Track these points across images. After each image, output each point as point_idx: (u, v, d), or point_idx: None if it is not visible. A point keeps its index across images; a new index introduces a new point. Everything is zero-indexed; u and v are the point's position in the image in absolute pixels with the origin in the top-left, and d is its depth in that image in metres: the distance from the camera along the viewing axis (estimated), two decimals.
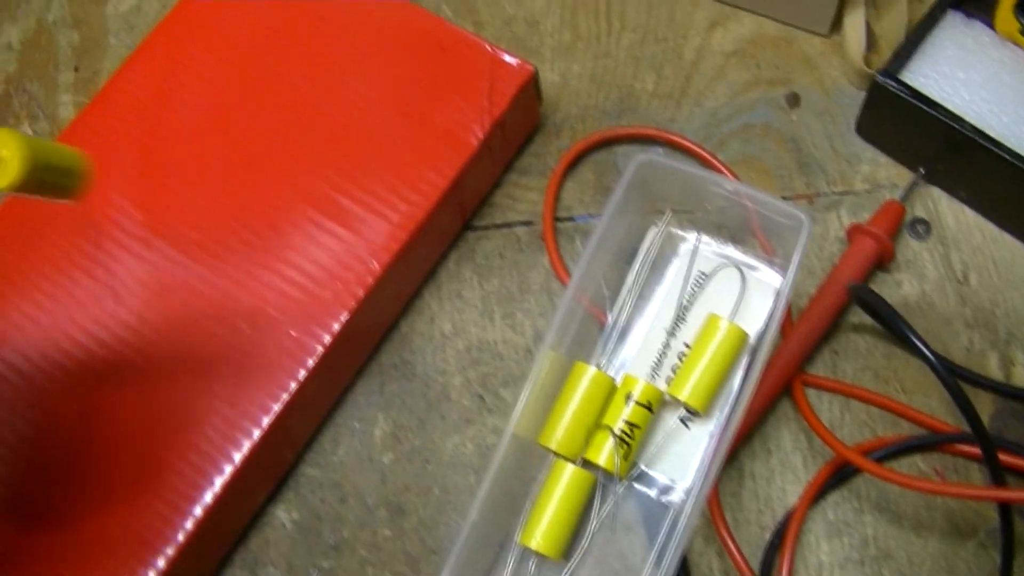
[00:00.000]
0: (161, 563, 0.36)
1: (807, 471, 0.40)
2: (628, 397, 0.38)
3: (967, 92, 0.41)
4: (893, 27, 0.46)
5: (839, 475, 0.40)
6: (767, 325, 0.39)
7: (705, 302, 0.40)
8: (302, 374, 0.39)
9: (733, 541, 0.39)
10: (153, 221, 0.42)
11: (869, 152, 0.45)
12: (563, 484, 0.38)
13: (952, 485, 0.38)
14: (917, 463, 0.40)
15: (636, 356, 0.40)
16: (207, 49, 0.45)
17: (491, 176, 0.46)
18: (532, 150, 0.47)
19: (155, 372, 0.39)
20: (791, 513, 0.39)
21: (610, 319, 0.41)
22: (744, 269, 0.40)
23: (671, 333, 0.40)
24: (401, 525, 0.41)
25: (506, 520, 0.38)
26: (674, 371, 0.39)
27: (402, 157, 0.42)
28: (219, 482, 0.37)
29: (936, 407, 0.41)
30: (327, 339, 0.39)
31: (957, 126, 0.40)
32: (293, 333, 0.39)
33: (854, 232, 0.42)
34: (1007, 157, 0.39)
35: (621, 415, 0.38)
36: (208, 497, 0.37)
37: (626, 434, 0.38)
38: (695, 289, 0.41)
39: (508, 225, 0.45)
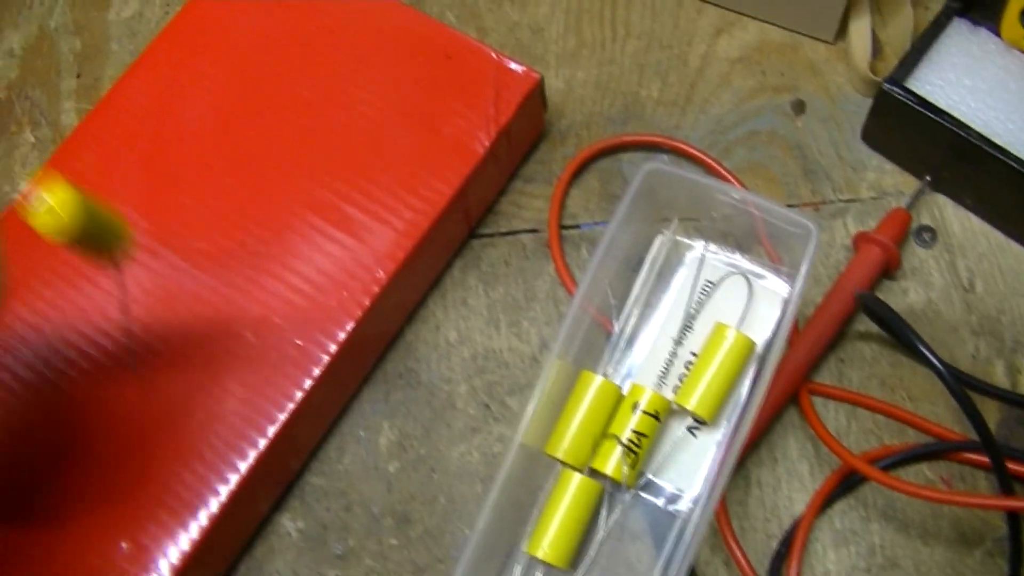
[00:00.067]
0: (167, 573, 0.36)
1: (814, 479, 0.40)
2: (635, 406, 0.38)
3: (973, 99, 0.41)
4: (898, 34, 0.46)
5: (846, 483, 0.40)
6: (775, 334, 0.39)
7: (712, 311, 0.40)
8: (308, 383, 0.39)
9: (740, 550, 0.38)
10: (157, 229, 0.41)
11: (875, 159, 0.45)
12: (570, 493, 0.37)
13: (960, 494, 0.38)
14: (924, 471, 0.40)
15: (643, 365, 0.40)
16: (211, 56, 0.45)
17: (496, 184, 0.46)
18: (537, 157, 0.47)
19: (159, 381, 0.39)
20: (798, 522, 0.39)
21: (617, 328, 0.41)
22: (751, 277, 0.40)
23: (678, 342, 0.40)
24: (407, 534, 0.41)
25: (513, 529, 0.38)
26: (681, 380, 0.39)
27: (408, 165, 0.42)
28: (224, 491, 0.37)
29: (942, 415, 0.41)
30: (333, 348, 0.39)
31: (963, 133, 0.40)
32: (298, 342, 0.39)
33: (860, 240, 0.42)
34: (1013, 164, 0.39)
35: (628, 424, 0.38)
36: (214, 506, 0.37)
37: (633, 443, 0.38)
38: (702, 298, 0.40)
39: (513, 233, 0.45)
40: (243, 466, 0.38)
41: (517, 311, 0.44)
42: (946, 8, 0.43)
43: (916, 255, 0.43)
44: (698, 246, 0.41)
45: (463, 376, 0.43)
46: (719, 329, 0.38)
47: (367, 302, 0.40)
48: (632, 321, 0.41)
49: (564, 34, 0.49)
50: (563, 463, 0.38)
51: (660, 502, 0.38)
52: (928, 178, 0.43)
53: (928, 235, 0.43)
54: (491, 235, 0.45)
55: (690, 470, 0.38)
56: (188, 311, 0.40)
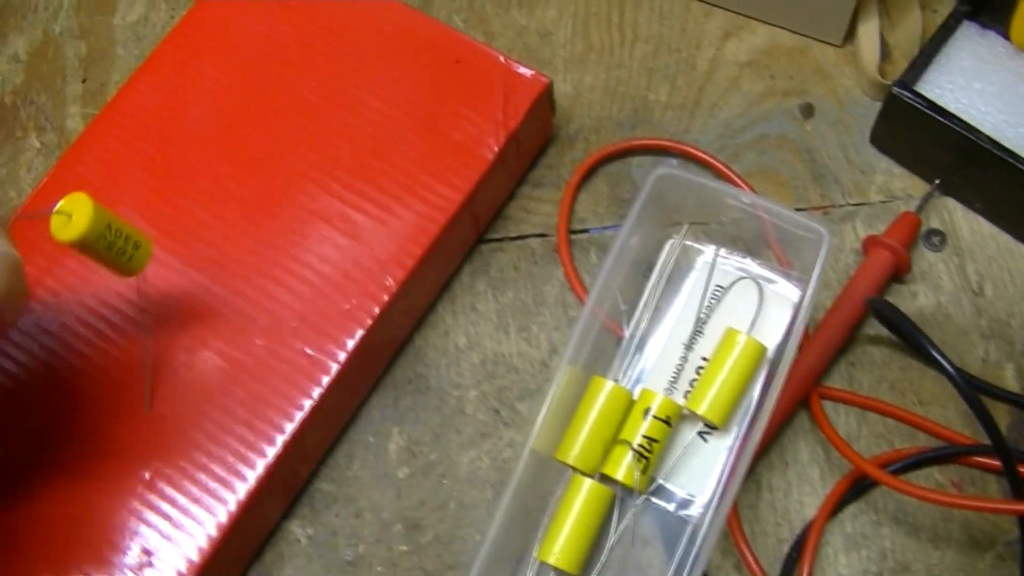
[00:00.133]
0: None
1: (824, 483, 0.40)
2: (646, 411, 0.38)
3: (983, 103, 0.41)
4: (907, 37, 0.46)
5: (856, 487, 0.40)
6: (786, 338, 0.39)
7: (722, 315, 0.40)
8: (317, 392, 0.39)
9: (752, 554, 0.38)
10: (164, 237, 0.41)
11: (884, 163, 0.45)
12: (581, 499, 0.37)
13: (971, 498, 0.38)
14: (934, 475, 0.40)
15: (653, 370, 0.40)
16: (216, 60, 0.45)
17: (505, 188, 0.45)
18: (546, 162, 0.46)
19: (168, 391, 0.39)
20: (809, 526, 0.39)
21: (627, 333, 0.41)
22: (761, 282, 0.40)
23: (688, 347, 0.40)
24: (417, 540, 0.40)
25: (524, 536, 0.38)
26: (692, 385, 0.39)
27: (417, 170, 0.42)
28: (233, 500, 0.37)
29: (953, 419, 0.41)
30: (342, 356, 0.39)
31: (973, 137, 0.40)
32: (308, 350, 0.39)
33: (870, 244, 0.42)
34: (1023, 168, 0.39)
35: (639, 429, 0.38)
36: (222, 515, 0.37)
37: (644, 448, 0.37)
38: (712, 302, 0.40)
39: (522, 237, 0.45)
40: (252, 475, 0.37)
41: (526, 316, 0.44)
42: (955, 11, 0.43)
43: (925, 259, 0.43)
44: (708, 251, 0.41)
45: (472, 381, 0.43)
46: (730, 334, 0.38)
47: (377, 309, 0.40)
48: (642, 326, 0.41)
49: (572, 38, 0.49)
50: (574, 469, 0.38)
51: (671, 507, 0.38)
52: (937, 181, 0.43)
53: (937, 239, 0.43)
54: (500, 240, 0.45)
55: (701, 475, 0.38)
56: (196, 320, 0.40)
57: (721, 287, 0.41)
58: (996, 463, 0.39)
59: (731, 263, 0.41)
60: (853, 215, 0.44)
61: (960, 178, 0.43)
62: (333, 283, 0.40)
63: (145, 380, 0.39)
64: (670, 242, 0.42)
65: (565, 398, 0.38)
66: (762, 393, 0.38)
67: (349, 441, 0.42)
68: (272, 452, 0.38)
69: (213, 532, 0.37)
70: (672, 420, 0.38)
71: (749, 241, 0.41)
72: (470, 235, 0.44)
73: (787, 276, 0.40)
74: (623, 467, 0.37)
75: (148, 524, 0.37)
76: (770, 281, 0.40)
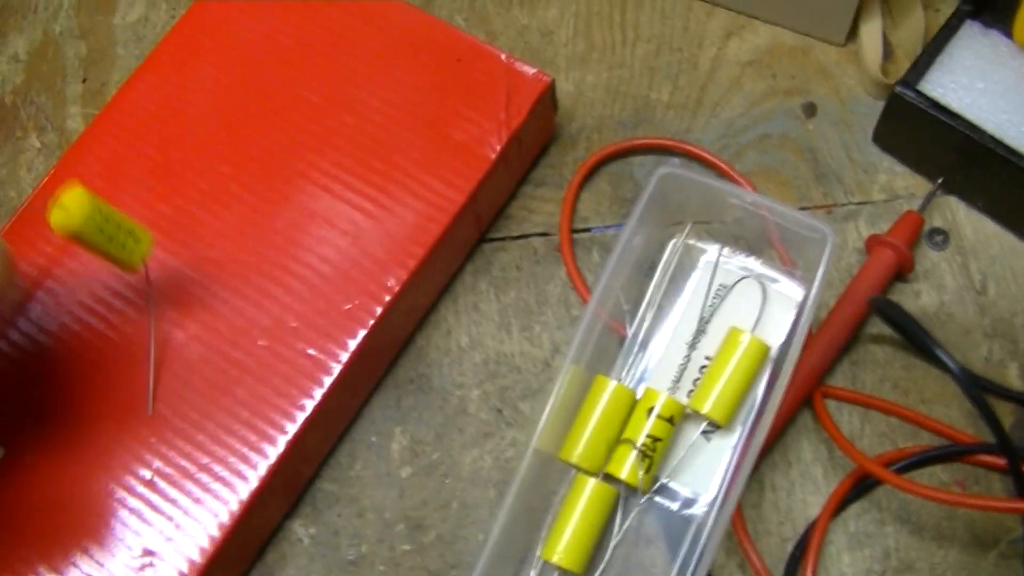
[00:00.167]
0: None
1: (827, 483, 0.40)
2: (649, 410, 0.38)
3: (986, 102, 0.41)
4: (909, 37, 0.46)
5: (860, 486, 0.40)
6: (789, 338, 0.39)
7: (725, 314, 0.40)
8: (319, 392, 0.38)
9: (756, 553, 0.38)
10: (165, 238, 0.41)
11: (886, 162, 0.45)
12: (584, 498, 0.37)
13: (975, 497, 0.38)
14: (938, 474, 0.40)
15: (656, 369, 0.40)
16: (217, 59, 0.45)
17: (507, 188, 0.45)
18: (547, 161, 0.46)
19: (169, 391, 0.39)
20: (812, 525, 0.39)
21: (630, 332, 0.40)
22: (764, 281, 0.40)
23: (692, 346, 0.40)
24: (420, 540, 0.40)
25: (527, 535, 0.38)
26: (695, 384, 0.39)
27: (418, 171, 0.41)
28: (235, 501, 0.37)
29: (956, 418, 0.40)
30: (344, 356, 0.39)
31: (976, 136, 0.40)
32: (310, 351, 0.39)
33: (873, 243, 0.42)
34: None
35: (643, 429, 0.38)
36: (224, 516, 0.37)
37: (648, 447, 0.37)
38: (715, 301, 0.40)
39: (524, 237, 0.45)
40: (254, 476, 0.37)
41: (529, 315, 0.44)
42: (957, 11, 0.43)
43: (928, 258, 0.43)
44: (711, 250, 0.41)
45: (475, 381, 0.43)
46: (733, 333, 0.38)
47: (379, 309, 0.39)
48: (645, 325, 0.41)
49: (574, 37, 0.49)
50: (577, 468, 0.38)
51: (675, 506, 0.38)
52: (940, 180, 0.43)
53: (940, 237, 0.43)
54: (502, 239, 0.45)
55: (705, 474, 0.38)
56: (198, 320, 0.40)
57: (724, 286, 0.41)
58: (1000, 462, 0.39)
59: (734, 262, 0.41)
60: (856, 214, 0.44)
61: (963, 177, 0.43)
62: (335, 283, 0.40)
63: (147, 381, 0.39)
64: (673, 241, 0.42)
65: (568, 397, 0.38)
66: (766, 392, 0.38)
67: (351, 441, 0.42)
68: (274, 452, 0.38)
69: (215, 532, 0.37)
70: (676, 419, 0.38)
71: (751, 240, 0.41)
72: (472, 234, 0.44)
73: (790, 275, 0.40)
74: (627, 466, 0.37)
75: (150, 524, 0.37)
76: (773, 280, 0.40)
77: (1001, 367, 0.41)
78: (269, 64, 0.44)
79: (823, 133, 0.46)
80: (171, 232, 0.41)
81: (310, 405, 0.38)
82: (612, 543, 0.38)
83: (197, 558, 0.36)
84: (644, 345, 0.41)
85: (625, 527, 0.38)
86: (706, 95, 0.47)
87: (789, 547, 0.39)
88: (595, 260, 0.44)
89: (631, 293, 0.41)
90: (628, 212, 0.44)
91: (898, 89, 0.41)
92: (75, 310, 0.40)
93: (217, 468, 0.37)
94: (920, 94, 0.41)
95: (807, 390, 0.40)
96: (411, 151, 0.42)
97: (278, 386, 0.39)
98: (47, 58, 0.51)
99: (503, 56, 0.43)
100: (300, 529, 0.41)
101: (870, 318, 0.42)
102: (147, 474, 0.38)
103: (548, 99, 0.43)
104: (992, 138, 0.40)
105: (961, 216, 0.44)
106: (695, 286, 0.41)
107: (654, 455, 0.38)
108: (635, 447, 0.37)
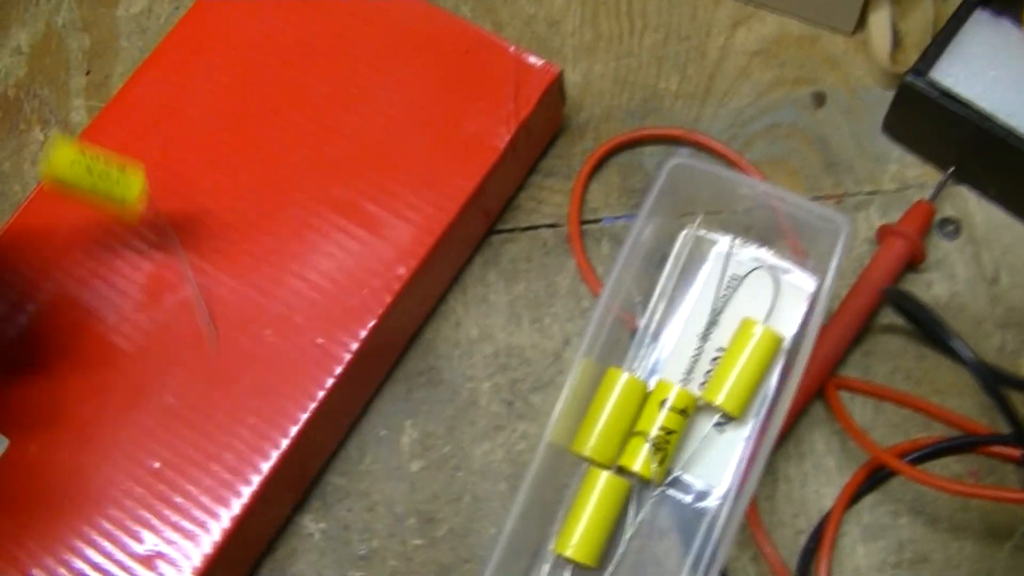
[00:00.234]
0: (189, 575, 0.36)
1: (841, 474, 0.40)
2: (662, 403, 0.37)
3: (997, 90, 0.41)
4: (918, 25, 0.46)
5: (873, 478, 0.39)
6: (802, 329, 0.38)
7: (737, 306, 0.40)
8: (329, 382, 0.38)
9: (770, 546, 0.38)
10: (172, 230, 0.41)
11: (896, 151, 0.45)
12: (597, 491, 0.37)
13: (990, 488, 0.38)
14: (951, 465, 0.40)
15: (668, 361, 0.40)
16: (223, 53, 0.44)
17: (516, 179, 0.45)
18: (556, 152, 0.46)
19: (178, 381, 0.39)
20: (826, 516, 0.39)
21: (641, 324, 0.40)
22: (776, 272, 0.40)
23: (704, 337, 0.40)
24: (432, 534, 0.40)
25: (540, 528, 0.38)
26: (707, 376, 0.39)
27: (427, 162, 0.41)
28: (246, 492, 0.37)
29: (970, 408, 0.40)
30: (354, 346, 0.39)
31: (987, 125, 0.40)
32: (320, 341, 0.39)
33: (884, 233, 0.42)
34: None
35: (655, 421, 0.37)
36: (236, 508, 0.37)
37: (661, 440, 0.37)
38: (727, 293, 0.40)
39: (533, 228, 0.45)
40: (265, 466, 0.37)
41: (539, 307, 0.43)
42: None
43: (939, 247, 0.43)
44: (722, 241, 0.41)
45: (485, 373, 0.42)
46: (746, 324, 0.38)
47: (389, 300, 0.39)
48: (657, 317, 0.40)
49: (581, 27, 0.49)
50: (590, 461, 0.38)
51: (688, 499, 0.38)
52: (951, 169, 0.43)
53: (952, 227, 0.43)
54: (511, 230, 0.45)
55: (718, 466, 0.38)
56: (207, 312, 0.39)
57: (736, 277, 0.40)
58: (1014, 453, 0.39)
59: (745, 253, 0.41)
60: (866, 204, 0.44)
61: (974, 166, 0.43)
62: (344, 273, 0.40)
63: (203, 319, 0.38)
64: (684, 232, 0.41)
65: (580, 390, 0.37)
66: (779, 384, 0.38)
67: (361, 434, 0.42)
68: (284, 442, 0.37)
69: (226, 523, 0.36)
70: (688, 411, 0.38)
71: (762, 231, 0.41)
72: (481, 226, 0.44)
73: (802, 266, 0.40)
74: (640, 459, 0.37)
75: (159, 515, 0.37)
76: (785, 271, 0.40)
77: (1015, 357, 0.41)
78: (274, 60, 0.44)
79: (832, 122, 0.46)
80: (178, 223, 0.41)
81: (320, 395, 0.38)
82: (626, 536, 0.38)
83: (208, 549, 0.36)
84: (656, 337, 0.40)
85: (639, 520, 0.38)
86: (714, 85, 0.47)
87: (803, 539, 0.39)
88: (604, 251, 0.44)
89: (642, 284, 0.41)
90: (637, 202, 0.44)
91: (908, 78, 0.41)
92: (81, 300, 0.40)
93: (226, 456, 0.37)
94: (930, 83, 0.41)
95: (820, 381, 0.40)
96: (419, 142, 0.42)
97: (288, 376, 0.38)
98: (50, 51, 0.51)
99: (511, 47, 0.43)
100: (310, 523, 0.41)
101: (882, 309, 0.42)
102: (156, 464, 0.37)
103: (556, 90, 0.43)
104: (1003, 127, 0.40)
105: (972, 205, 0.44)
106: (706, 277, 0.41)
107: (667, 447, 0.37)
108: (648, 439, 0.37)
